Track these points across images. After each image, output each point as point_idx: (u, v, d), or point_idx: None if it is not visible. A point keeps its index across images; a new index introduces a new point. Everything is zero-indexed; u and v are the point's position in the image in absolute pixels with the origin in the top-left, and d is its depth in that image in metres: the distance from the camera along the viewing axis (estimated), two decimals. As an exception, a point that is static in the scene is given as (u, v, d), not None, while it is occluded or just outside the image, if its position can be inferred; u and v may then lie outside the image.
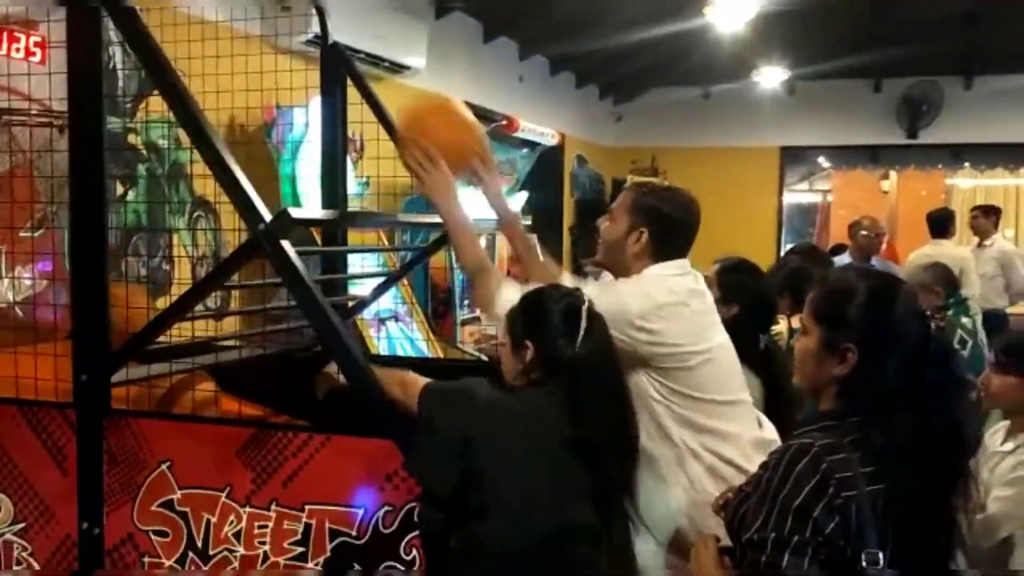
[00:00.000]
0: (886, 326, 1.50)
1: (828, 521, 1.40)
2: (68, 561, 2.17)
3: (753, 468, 2.05)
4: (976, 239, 6.85)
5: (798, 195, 13.27)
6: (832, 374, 1.54)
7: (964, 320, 4.15)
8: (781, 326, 3.39)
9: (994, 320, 6.60)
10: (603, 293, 2.05)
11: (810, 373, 1.59)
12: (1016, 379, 2.36)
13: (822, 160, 10.76)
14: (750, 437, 2.17)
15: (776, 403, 2.50)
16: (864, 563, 1.39)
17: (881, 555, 1.39)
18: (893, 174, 11.46)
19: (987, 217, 6.81)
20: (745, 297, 2.60)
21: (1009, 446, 2.34)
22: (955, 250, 6.29)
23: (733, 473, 2.07)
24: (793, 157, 9.93)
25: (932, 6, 6.45)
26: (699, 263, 7.33)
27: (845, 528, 1.40)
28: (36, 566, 2.20)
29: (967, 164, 9.74)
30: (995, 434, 2.48)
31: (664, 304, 2.08)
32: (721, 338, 2.22)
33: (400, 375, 1.94)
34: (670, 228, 2.17)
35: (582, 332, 1.82)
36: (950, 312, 4.12)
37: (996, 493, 2.29)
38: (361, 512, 1.96)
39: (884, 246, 10.13)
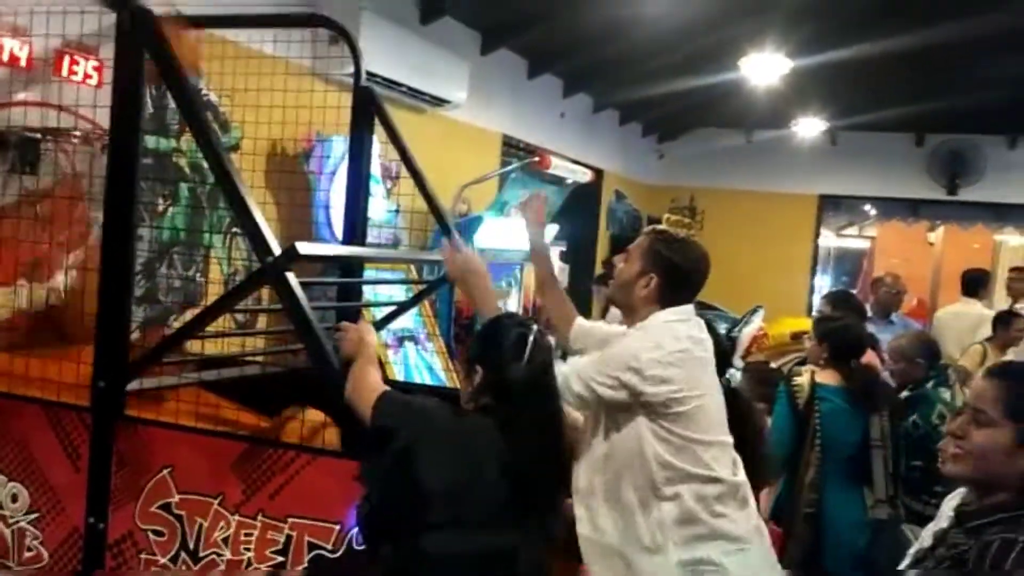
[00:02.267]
0: None
1: None
2: (73, 552, 2.37)
3: (723, 509, 2.18)
4: (1010, 300, 6.80)
5: (842, 241, 13.24)
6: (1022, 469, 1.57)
7: (943, 393, 3.84)
8: (803, 379, 3.46)
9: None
10: (616, 343, 2.22)
11: (996, 468, 1.60)
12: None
13: (868, 208, 10.73)
14: (733, 482, 2.28)
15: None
16: None
17: None
18: (941, 228, 11.37)
19: (1021, 279, 6.75)
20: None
21: None
22: (981, 310, 6.26)
23: (706, 514, 2.19)
24: (833, 205, 9.93)
25: (978, 65, 6.47)
26: (732, 303, 7.31)
27: None
28: (45, 554, 2.40)
29: (1009, 225, 9.62)
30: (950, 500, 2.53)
31: (672, 351, 2.20)
32: (714, 381, 2.33)
33: (363, 377, 2.06)
34: (679, 278, 2.30)
35: (525, 358, 1.95)
36: (928, 384, 3.84)
37: None
38: (338, 528, 2.12)
39: (915, 302, 10.11)
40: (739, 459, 2.39)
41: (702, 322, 2.38)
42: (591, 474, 2.25)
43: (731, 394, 2.62)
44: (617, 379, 2.15)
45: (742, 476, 2.33)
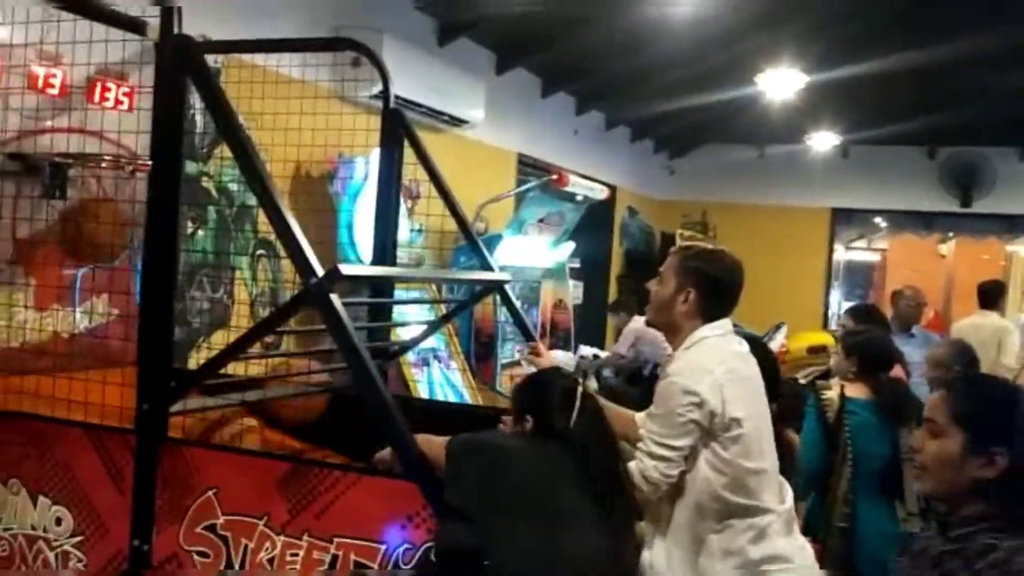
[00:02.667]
0: None
1: None
2: (118, 574, 2.37)
3: (772, 539, 2.18)
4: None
5: (855, 253, 13.25)
6: (974, 475, 1.56)
7: None
8: (832, 393, 3.46)
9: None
10: (664, 389, 2.21)
11: (945, 475, 1.59)
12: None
13: (879, 220, 10.74)
14: (781, 510, 2.28)
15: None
16: None
17: None
18: (952, 240, 11.38)
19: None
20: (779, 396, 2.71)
21: None
22: (999, 321, 6.27)
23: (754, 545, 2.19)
24: (846, 219, 9.94)
25: (988, 78, 6.51)
26: (749, 319, 7.35)
27: None
28: (89, 577, 2.42)
29: (1021, 235, 9.63)
30: None
31: (720, 373, 2.19)
32: (762, 402, 2.32)
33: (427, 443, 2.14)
34: (716, 289, 2.28)
35: (576, 410, 2.06)
36: None
37: None
38: (384, 548, 2.13)
39: (932, 315, 10.11)
40: (786, 483, 2.39)
41: (742, 339, 2.38)
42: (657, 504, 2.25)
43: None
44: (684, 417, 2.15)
45: (789, 502, 2.33)
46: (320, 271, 2.19)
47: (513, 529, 1.90)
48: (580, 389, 2.12)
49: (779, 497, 2.28)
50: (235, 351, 2.32)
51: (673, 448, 2.15)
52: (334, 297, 2.18)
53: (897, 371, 3.85)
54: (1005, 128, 8.10)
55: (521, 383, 2.25)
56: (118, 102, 3.31)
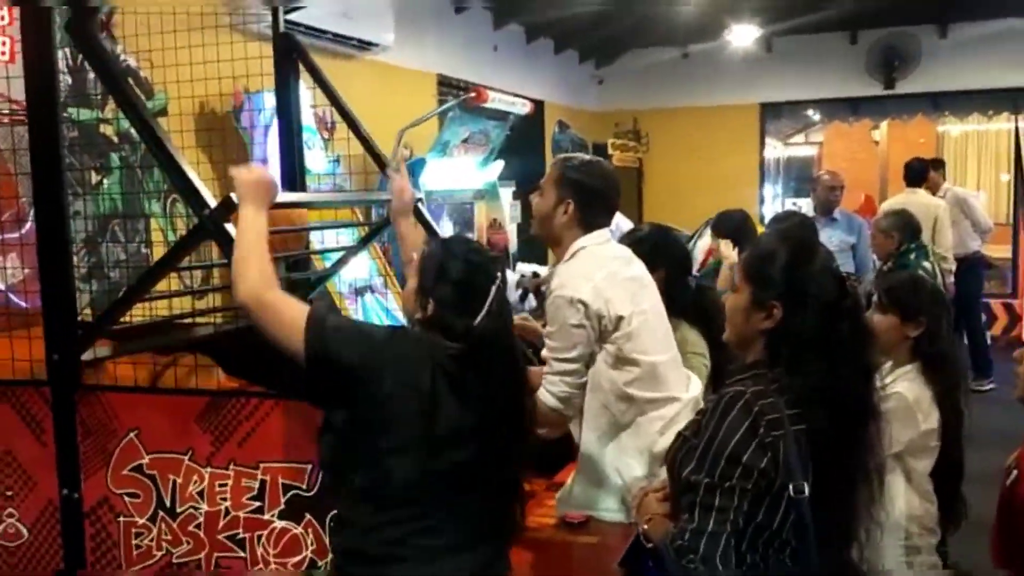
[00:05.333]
0: (804, 283, 1.68)
1: (760, 459, 1.60)
2: (52, 524, 2.38)
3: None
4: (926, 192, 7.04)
5: (792, 149, 13.37)
6: (759, 328, 1.72)
7: (925, 264, 4.38)
8: None
9: (971, 263, 6.83)
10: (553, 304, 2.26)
11: (739, 328, 1.77)
12: (894, 319, 2.55)
13: (811, 112, 10.83)
14: (686, 398, 2.36)
15: (715, 346, 2.67)
16: (792, 493, 1.59)
17: (806, 485, 1.59)
18: (884, 124, 11.52)
19: (935, 171, 7.03)
20: (666, 259, 2.77)
21: (888, 380, 2.49)
22: (928, 199, 6.43)
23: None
24: (774, 112, 10.00)
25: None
26: (684, 221, 7.41)
27: (775, 463, 1.60)
28: (24, 530, 2.42)
29: (947, 113, 9.78)
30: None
31: (599, 278, 2.26)
32: (652, 302, 2.40)
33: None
34: (593, 198, 2.35)
35: (485, 308, 1.77)
36: (911, 256, 4.32)
37: None
38: (309, 467, 2.16)
39: (862, 199, 10.31)
40: (692, 375, 2.48)
41: (628, 251, 2.47)
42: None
43: (698, 291, 2.78)
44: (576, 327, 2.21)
45: (694, 391, 2.42)
46: (212, 202, 2.17)
47: (398, 440, 1.74)
48: (496, 283, 1.81)
49: (684, 386, 2.36)
50: (137, 293, 2.29)
51: (572, 360, 2.24)
52: (230, 227, 2.16)
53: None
54: (924, 6, 8.15)
55: (429, 250, 1.89)
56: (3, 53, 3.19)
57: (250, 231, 1.92)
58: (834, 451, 1.64)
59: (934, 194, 6.76)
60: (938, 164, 7.29)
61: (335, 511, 1.93)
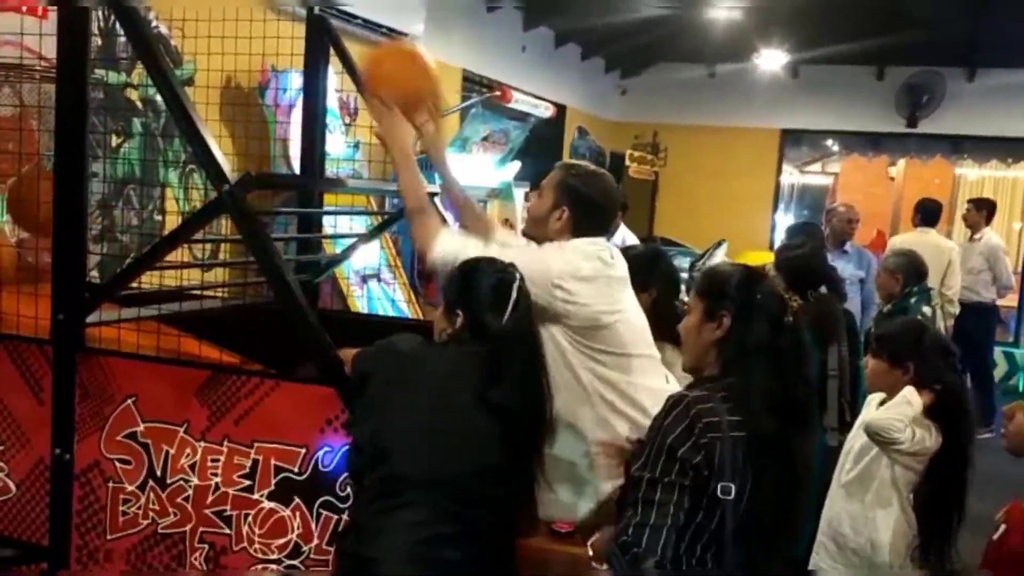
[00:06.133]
0: (753, 296, 1.82)
1: (694, 456, 1.68)
2: (40, 483, 2.39)
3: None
4: (968, 232, 6.98)
5: (808, 177, 13.37)
6: (711, 340, 1.83)
7: (925, 309, 4.32)
8: None
9: (982, 312, 6.77)
10: (525, 253, 2.23)
11: (693, 345, 1.88)
12: (885, 364, 2.60)
13: (830, 143, 10.82)
14: (659, 388, 2.34)
15: None
16: (719, 493, 1.68)
17: (733, 486, 1.68)
18: (902, 162, 11.52)
19: (979, 211, 6.91)
20: (658, 280, 2.76)
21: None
22: (940, 240, 6.40)
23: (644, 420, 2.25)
24: (794, 140, 9.99)
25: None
26: (695, 239, 7.40)
27: (709, 462, 1.68)
28: (12, 485, 2.42)
29: (967, 156, 9.76)
30: (869, 405, 2.80)
31: (582, 267, 2.24)
32: (632, 303, 2.38)
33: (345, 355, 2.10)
34: (589, 210, 2.31)
35: (510, 307, 1.96)
36: (912, 300, 4.28)
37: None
38: (303, 451, 2.16)
39: (875, 234, 10.28)
40: (671, 375, 2.47)
41: (615, 250, 2.43)
42: None
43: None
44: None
45: (674, 384, 2.40)
46: (232, 178, 2.17)
47: (407, 438, 1.87)
48: (516, 282, 2.00)
49: (660, 379, 2.35)
50: (148, 261, 2.29)
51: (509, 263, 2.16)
52: (247, 206, 2.16)
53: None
54: (952, 48, 8.14)
55: (450, 273, 2.11)
56: (36, 11, 3.19)
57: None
58: (773, 457, 1.73)
59: (974, 234, 6.69)
60: (984, 204, 6.97)
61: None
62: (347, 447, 2.02)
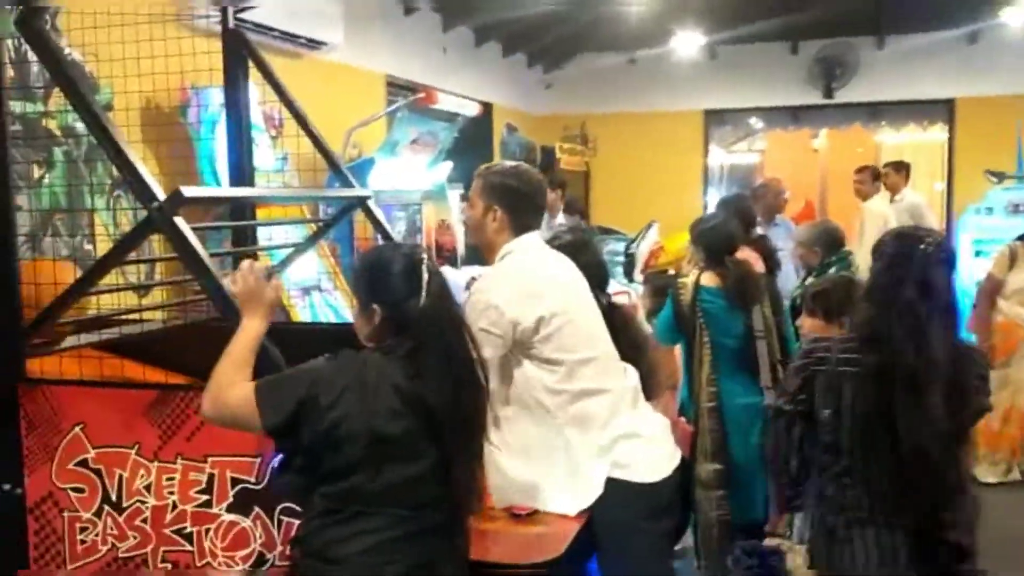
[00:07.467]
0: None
1: (795, 383, 2.30)
2: (-7, 520, 2.35)
3: (620, 419, 2.33)
4: (888, 194, 7.22)
5: (735, 156, 13.64)
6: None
7: (843, 274, 4.39)
8: (688, 279, 3.63)
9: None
10: (470, 304, 2.28)
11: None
12: (820, 321, 2.70)
13: (753, 121, 11.06)
14: (621, 388, 2.42)
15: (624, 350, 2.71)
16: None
17: (828, 412, 2.21)
18: (823, 133, 11.83)
19: (897, 173, 7.18)
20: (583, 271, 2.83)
21: None
22: (880, 207, 6.63)
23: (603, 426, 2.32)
24: (717, 119, 10.20)
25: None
26: (630, 225, 7.51)
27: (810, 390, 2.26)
28: (-37, 526, 2.38)
29: (884, 122, 10.08)
30: None
31: (519, 282, 2.30)
32: (581, 299, 2.45)
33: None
34: (518, 201, 2.38)
35: (424, 288, 1.87)
36: (832, 269, 4.34)
37: None
38: (258, 460, 2.18)
39: (803, 205, 10.54)
40: (629, 366, 2.53)
41: (549, 247, 2.51)
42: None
43: (609, 308, 2.74)
44: (487, 332, 2.21)
45: (632, 380, 2.47)
46: (162, 195, 2.17)
47: (348, 452, 1.82)
48: (424, 261, 1.90)
49: (621, 377, 2.42)
50: (82, 286, 2.28)
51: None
52: (179, 220, 2.16)
53: (747, 254, 4.01)
54: (862, 17, 8.39)
55: (355, 270, 2.01)
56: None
57: (233, 344, 1.97)
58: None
59: (893, 196, 6.91)
60: (901, 166, 7.25)
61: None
62: (282, 472, 1.96)
